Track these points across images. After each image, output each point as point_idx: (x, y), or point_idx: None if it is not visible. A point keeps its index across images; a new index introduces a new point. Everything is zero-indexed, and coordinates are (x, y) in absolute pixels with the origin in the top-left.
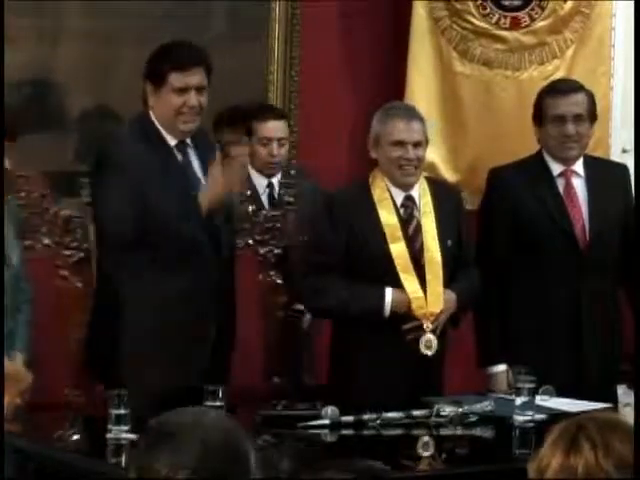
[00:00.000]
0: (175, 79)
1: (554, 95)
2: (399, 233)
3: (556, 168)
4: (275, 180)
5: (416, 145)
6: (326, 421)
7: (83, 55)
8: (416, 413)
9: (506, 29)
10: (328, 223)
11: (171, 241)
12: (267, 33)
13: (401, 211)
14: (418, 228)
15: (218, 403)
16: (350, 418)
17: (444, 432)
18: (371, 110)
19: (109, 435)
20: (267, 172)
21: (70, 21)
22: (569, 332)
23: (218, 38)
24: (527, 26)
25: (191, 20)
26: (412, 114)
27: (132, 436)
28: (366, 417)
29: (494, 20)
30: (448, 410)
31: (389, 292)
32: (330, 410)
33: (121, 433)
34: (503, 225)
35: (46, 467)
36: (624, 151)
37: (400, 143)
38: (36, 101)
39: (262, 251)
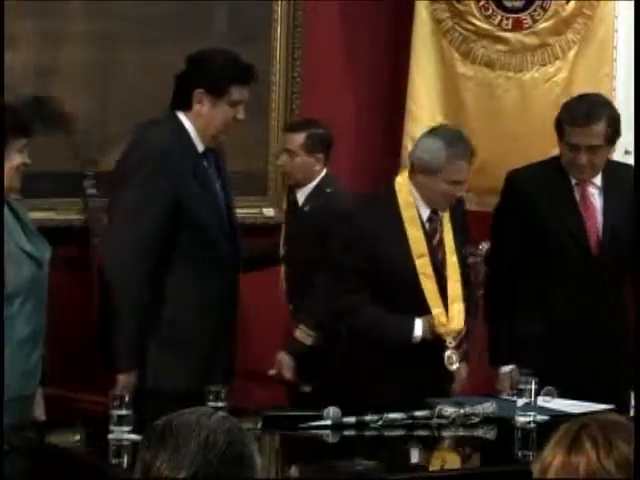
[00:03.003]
0: (235, 92)
1: (572, 124)
2: (424, 248)
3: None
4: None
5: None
6: (328, 422)
7: (85, 57)
8: (418, 414)
9: (508, 30)
10: (351, 238)
11: (207, 246)
12: (269, 34)
13: (426, 225)
14: (440, 242)
15: (220, 404)
16: (352, 419)
17: (446, 433)
18: (372, 111)
19: (111, 436)
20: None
21: (72, 23)
22: (577, 337)
23: (219, 40)
24: (529, 27)
25: (192, 22)
26: (471, 153)
27: (134, 437)
28: (368, 418)
29: (496, 21)
30: (450, 411)
31: (419, 323)
32: (332, 411)
33: (123, 434)
34: (516, 228)
35: (48, 467)
36: (627, 152)
37: (457, 182)
38: (38, 102)
39: None
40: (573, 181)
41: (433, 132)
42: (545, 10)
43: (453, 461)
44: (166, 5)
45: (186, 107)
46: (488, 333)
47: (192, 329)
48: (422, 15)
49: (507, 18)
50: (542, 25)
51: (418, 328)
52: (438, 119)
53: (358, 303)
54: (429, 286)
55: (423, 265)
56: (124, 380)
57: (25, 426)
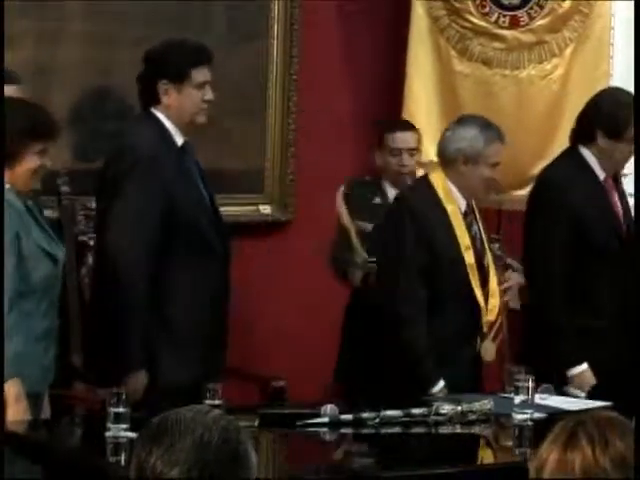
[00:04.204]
0: (197, 74)
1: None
2: (468, 241)
3: (601, 173)
4: None
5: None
6: (325, 419)
7: (84, 57)
8: (415, 411)
9: (505, 28)
10: (409, 235)
11: (197, 241)
12: (266, 33)
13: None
14: (475, 236)
15: (217, 402)
16: (349, 416)
17: (443, 430)
18: (369, 109)
19: (108, 433)
20: (398, 182)
21: (71, 23)
22: (623, 329)
23: (217, 38)
24: (526, 25)
25: (190, 21)
26: (501, 134)
27: (131, 434)
28: (365, 415)
29: (493, 19)
30: (447, 408)
31: (441, 385)
32: (329, 408)
33: (120, 431)
34: (565, 226)
35: (48, 467)
36: None
37: (495, 165)
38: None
39: None
40: (602, 176)
41: (460, 122)
42: (542, 7)
43: (450, 459)
44: (166, 5)
45: (155, 103)
46: (549, 335)
47: (192, 327)
48: (419, 13)
49: (504, 15)
50: (539, 22)
51: (438, 387)
52: (435, 117)
53: (418, 312)
54: (475, 278)
55: (469, 257)
56: (135, 381)
57: (30, 425)
